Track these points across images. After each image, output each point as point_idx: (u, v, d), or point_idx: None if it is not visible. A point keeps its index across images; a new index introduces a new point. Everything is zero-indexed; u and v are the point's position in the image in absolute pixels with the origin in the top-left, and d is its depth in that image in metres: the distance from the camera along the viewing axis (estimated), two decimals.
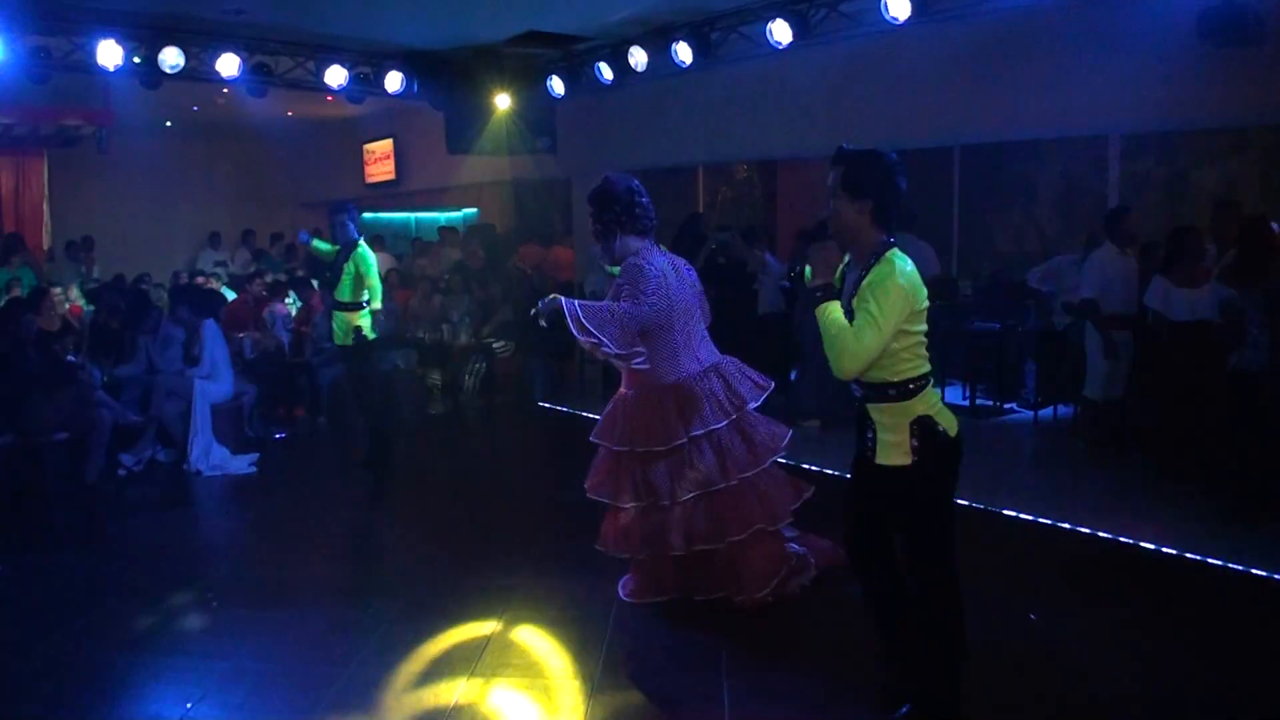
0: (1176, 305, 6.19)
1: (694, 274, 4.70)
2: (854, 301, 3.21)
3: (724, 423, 4.43)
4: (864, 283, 3.19)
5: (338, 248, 7.10)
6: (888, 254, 3.20)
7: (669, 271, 4.47)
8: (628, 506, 4.52)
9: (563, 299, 4.20)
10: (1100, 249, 6.89)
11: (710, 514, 4.43)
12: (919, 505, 3.31)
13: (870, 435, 3.33)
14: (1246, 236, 5.92)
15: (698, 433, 4.39)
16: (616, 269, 4.57)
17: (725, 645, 4.21)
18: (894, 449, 3.27)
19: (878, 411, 3.31)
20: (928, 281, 3.38)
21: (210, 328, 7.82)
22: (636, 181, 4.60)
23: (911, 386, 3.25)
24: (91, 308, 10.05)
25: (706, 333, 4.69)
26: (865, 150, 3.27)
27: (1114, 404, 6.86)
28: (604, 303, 4.34)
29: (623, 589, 4.76)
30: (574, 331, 4.16)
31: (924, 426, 3.24)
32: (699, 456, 4.42)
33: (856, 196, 3.21)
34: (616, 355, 4.31)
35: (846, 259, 3.37)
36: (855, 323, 3.14)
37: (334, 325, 7.09)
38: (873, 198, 3.20)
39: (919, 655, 3.43)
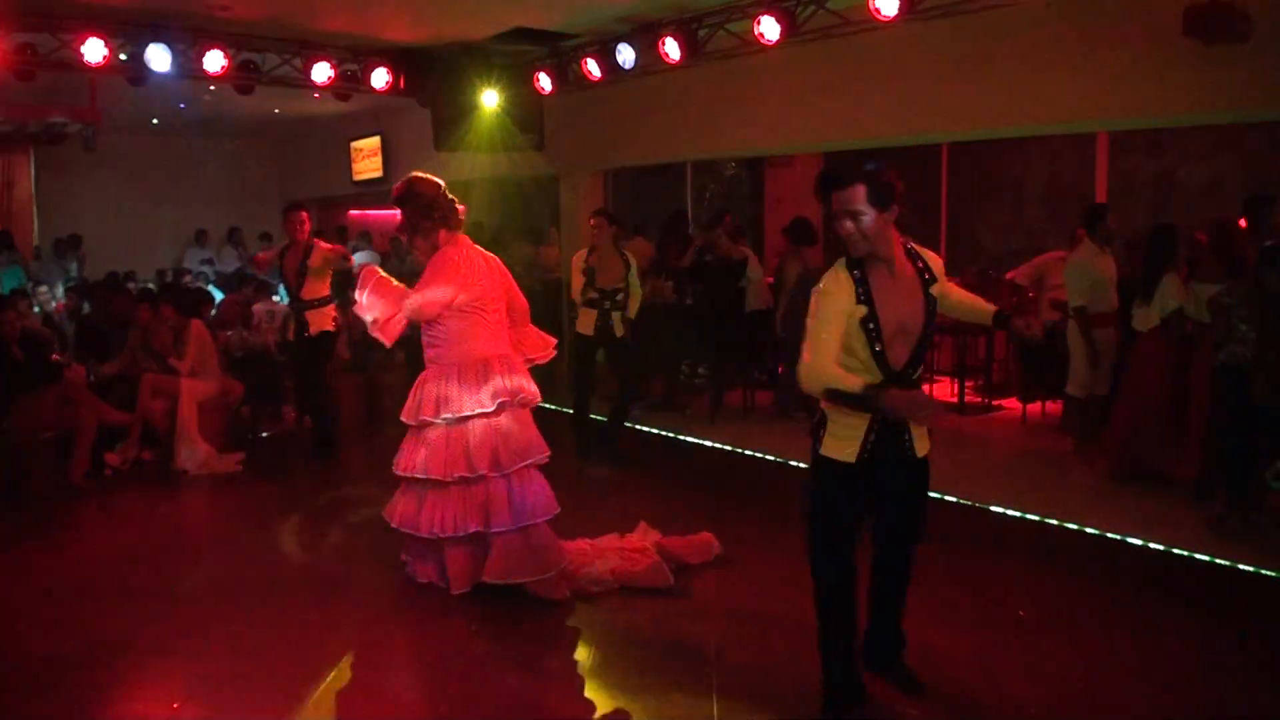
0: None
1: (503, 267, 4.91)
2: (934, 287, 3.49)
3: (493, 408, 4.64)
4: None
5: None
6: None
7: (478, 261, 4.74)
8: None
9: (374, 267, 4.73)
10: (1080, 248, 6.90)
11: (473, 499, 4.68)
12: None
13: (907, 435, 3.49)
14: (1215, 238, 6.03)
15: (469, 412, 4.63)
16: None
17: (717, 644, 4.22)
18: (926, 439, 3.56)
19: None
20: None
21: (197, 327, 7.79)
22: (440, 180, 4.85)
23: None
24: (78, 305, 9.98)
25: (505, 330, 4.86)
26: (883, 167, 3.42)
27: (1098, 400, 6.87)
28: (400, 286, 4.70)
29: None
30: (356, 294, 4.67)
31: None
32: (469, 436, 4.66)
33: (885, 207, 3.36)
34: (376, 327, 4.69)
35: None
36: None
37: (306, 320, 7.56)
38: (899, 205, 3.40)
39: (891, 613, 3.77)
